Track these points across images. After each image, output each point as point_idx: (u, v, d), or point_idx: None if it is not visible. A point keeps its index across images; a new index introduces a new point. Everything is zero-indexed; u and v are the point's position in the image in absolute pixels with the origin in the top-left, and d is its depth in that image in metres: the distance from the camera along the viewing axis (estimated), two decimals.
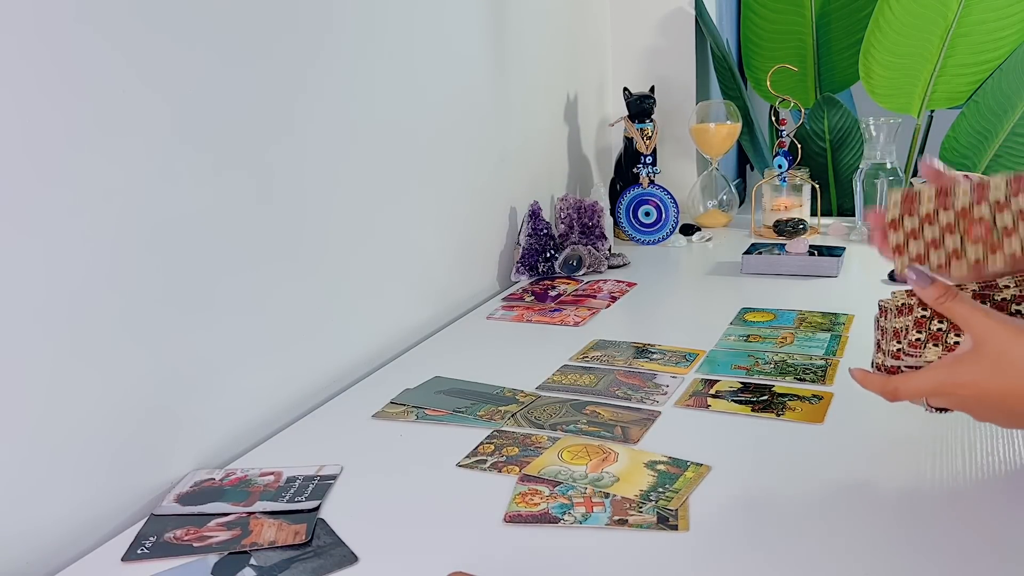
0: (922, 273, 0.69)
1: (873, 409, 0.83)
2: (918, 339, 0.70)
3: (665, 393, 0.94)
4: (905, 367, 0.71)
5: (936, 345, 0.70)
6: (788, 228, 1.65)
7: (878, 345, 0.73)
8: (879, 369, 0.73)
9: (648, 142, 1.66)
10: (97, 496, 0.73)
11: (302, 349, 0.99)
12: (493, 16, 1.42)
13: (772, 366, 1.00)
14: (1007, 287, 0.69)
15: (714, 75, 2.15)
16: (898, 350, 0.71)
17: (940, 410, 0.71)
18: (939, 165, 0.71)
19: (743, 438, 0.84)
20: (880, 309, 0.73)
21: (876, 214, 0.71)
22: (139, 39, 0.75)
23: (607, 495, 0.73)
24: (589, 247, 1.49)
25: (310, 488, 0.77)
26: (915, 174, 2.08)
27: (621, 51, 1.98)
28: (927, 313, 0.70)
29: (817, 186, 1.72)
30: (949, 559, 0.62)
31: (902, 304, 0.71)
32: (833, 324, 1.14)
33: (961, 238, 0.68)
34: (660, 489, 0.73)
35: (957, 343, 0.69)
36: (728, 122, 1.78)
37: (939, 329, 0.70)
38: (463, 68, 1.34)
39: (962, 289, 0.70)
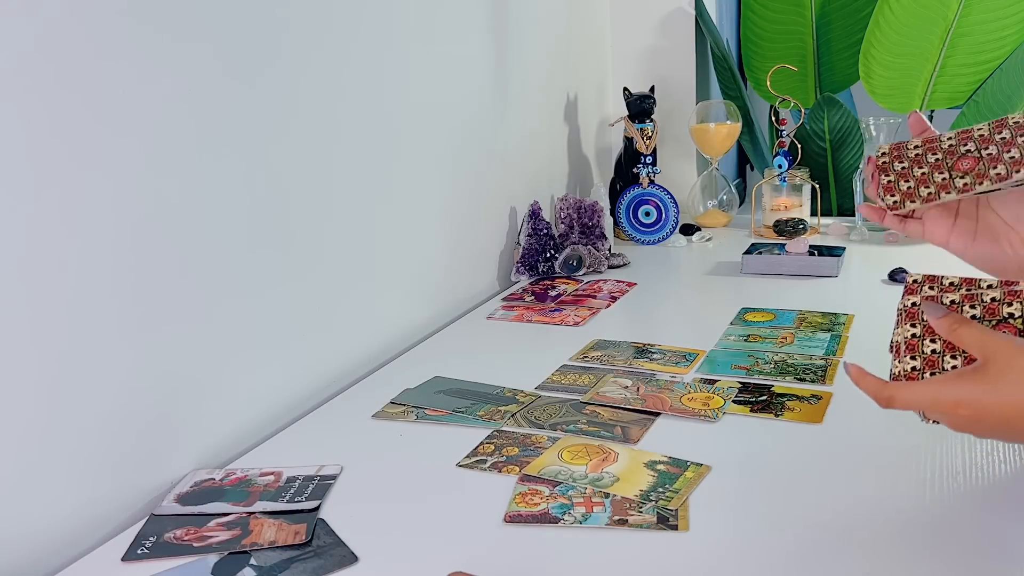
0: (933, 305, 0.67)
1: (872, 409, 0.83)
2: (914, 368, 0.69)
3: None
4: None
5: (934, 374, 0.68)
6: (788, 228, 1.65)
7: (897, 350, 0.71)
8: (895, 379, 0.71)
9: (648, 142, 1.66)
10: (97, 496, 0.73)
11: (302, 349, 0.99)
12: (493, 16, 1.42)
13: (772, 366, 1.00)
14: (991, 287, 0.69)
15: (714, 75, 2.15)
16: (913, 369, 0.69)
17: (936, 421, 0.69)
18: (923, 116, 0.76)
19: (743, 438, 0.84)
20: (907, 289, 0.71)
21: (872, 158, 0.75)
22: (139, 39, 0.75)
23: (607, 495, 0.73)
24: (589, 247, 1.49)
25: (310, 488, 0.77)
26: None
27: (621, 51, 1.98)
28: (917, 331, 0.69)
29: (817, 186, 1.72)
30: (949, 558, 0.62)
31: (913, 304, 0.70)
32: (833, 324, 1.14)
33: (950, 172, 0.71)
34: (660, 489, 0.73)
35: (954, 367, 0.68)
36: (728, 122, 1.78)
37: (933, 352, 0.69)
38: (463, 68, 1.34)
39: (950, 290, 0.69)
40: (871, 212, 0.77)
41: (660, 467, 0.77)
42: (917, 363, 0.69)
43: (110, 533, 0.74)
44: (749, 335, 1.11)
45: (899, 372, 0.69)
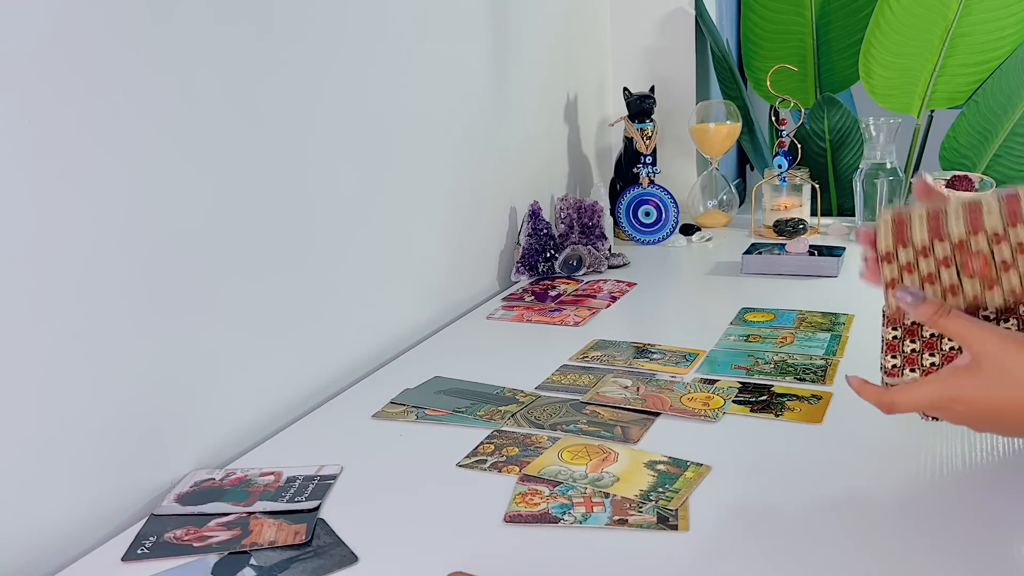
0: (915, 292, 0.67)
1: (871, 409, 0.83)
2: (895, 366, 0.71)
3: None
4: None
5: (913, 370, 0.71)
6: (788, 228, 1.65)
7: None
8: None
9: (648, 142, 1.66)
10: (97, 496, 0.73)
11: (302, 349, 0.99)
12: (493, 16, 1.42)
13: (772, 366, 1.00)
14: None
15: (714, 75, 2.15)
16: (893, 367, 0.72)
17: (936, 418, 0.72)
18: (929, 180, 0.72)
19: (743, 438, 0.84)
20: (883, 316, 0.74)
21: (867, 234, 0.69)
22: (139, 41, 0.75)
23: (607, 495, 0.73)
24: (589, 247, 1.49)
25: (310, 488, 0.77)
26: (915, 174, 2.08)
27: (621, 51, 1.98)
28: (898, 334, 0.71)
29: (817, 186, 1.72)
30: (949, 557, 0.62)
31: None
32: (833, 324, 1.14)
33: (958, 271, 0.66)
34: (660, 489, 0.73)
35: (934, 365, 0.70)
36: (728, 122, 1.78)
37: (913, 351, 0.71)
38: (464, 68, 1.34)
39: None
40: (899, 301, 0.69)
41: (660, 467, 0.77)
42: (898, 360, 0.71)
43: (110, 533, 0.74)
44: (749, 335, 1.11)
45: (881, 368, 0.72)
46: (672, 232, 1.69)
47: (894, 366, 0.72)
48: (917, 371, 0.71)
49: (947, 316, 0.66)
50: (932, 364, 0.71)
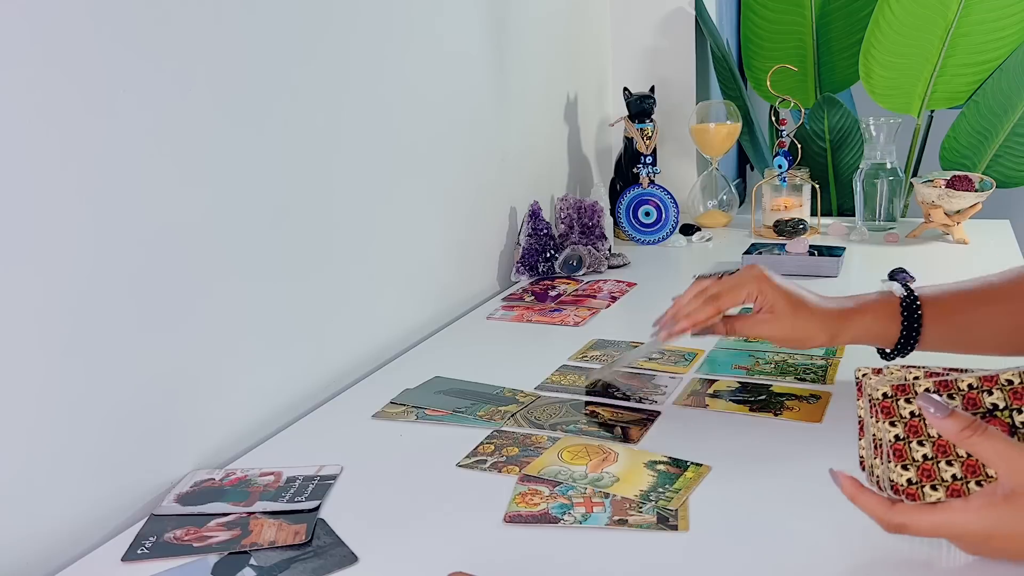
0: (939, 403, 0.57)
1: None
2: (911, 481, 0.59)
3: (664, 393, 0.94)
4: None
5: (935, 488, 0.59)
6: (788, 228, 1.65)
7: (865, 446, 0.65)
8: (872, 478, 0.64)
9: (648, 142, 1.66)
10: (97, 496, 0.73)
11: (302, 349, 0.99)
12: (493, 16, 1.42)
13: (772, 366, 1.00)
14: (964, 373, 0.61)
15: (714, 75, 2.15)
16: (910, 482, 0.59)
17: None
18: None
19: (743, 438, 0.84)
20: (857, 386, 0.64)
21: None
22: (142, 36, 0.75)
23: (607, 495, 0.73)
24: (589, 247, 1.49)
25: (310, 488, 0.77)
26: (915, 174, 2.08)
27: (621, 51, 1.98)
28: (899, 432, 0.60)
29: (817, 186, 1.72)
30: (949, 558, 0.62)
31: (884, 395, 0.60)
32: None
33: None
34: (660, 489, 0.73)
35: (956, 478, 0.59)
36: (728, 122, 1.78)
37: (925, 458, 0.59)
38: (464, 68, 1.34)
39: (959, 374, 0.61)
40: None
41: (660, 467, 0.77)
42: (911, 474, 0.59)
43: (110, 533, 0.74)
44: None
45: (894, 480, 0.60)
46: (672, 232, 1.69)
47: (910, 481, 0.59)
48: (940, 489, 0.59)
49: (982, 434, 0.55)
50: (954, 477, 0.59)
